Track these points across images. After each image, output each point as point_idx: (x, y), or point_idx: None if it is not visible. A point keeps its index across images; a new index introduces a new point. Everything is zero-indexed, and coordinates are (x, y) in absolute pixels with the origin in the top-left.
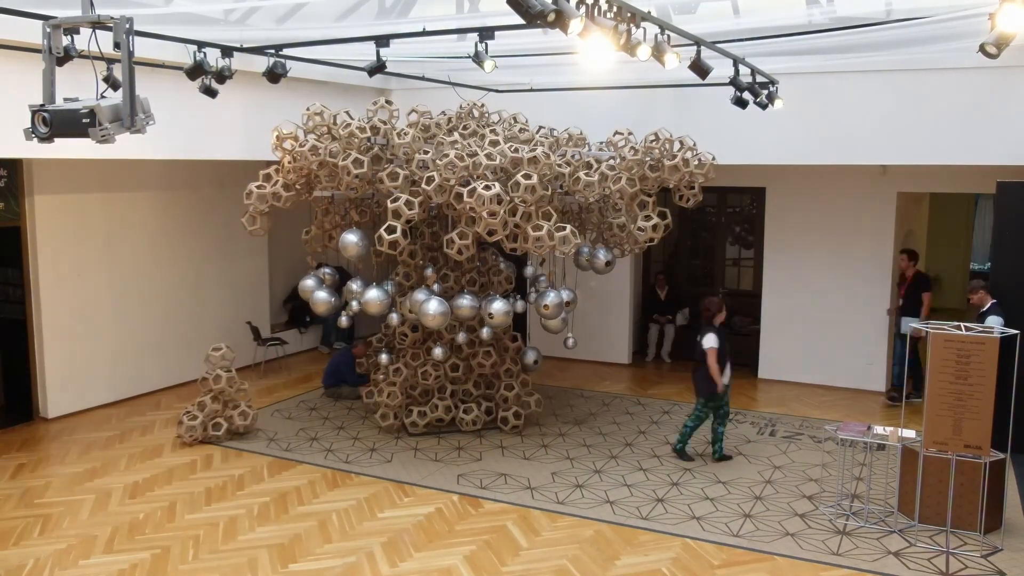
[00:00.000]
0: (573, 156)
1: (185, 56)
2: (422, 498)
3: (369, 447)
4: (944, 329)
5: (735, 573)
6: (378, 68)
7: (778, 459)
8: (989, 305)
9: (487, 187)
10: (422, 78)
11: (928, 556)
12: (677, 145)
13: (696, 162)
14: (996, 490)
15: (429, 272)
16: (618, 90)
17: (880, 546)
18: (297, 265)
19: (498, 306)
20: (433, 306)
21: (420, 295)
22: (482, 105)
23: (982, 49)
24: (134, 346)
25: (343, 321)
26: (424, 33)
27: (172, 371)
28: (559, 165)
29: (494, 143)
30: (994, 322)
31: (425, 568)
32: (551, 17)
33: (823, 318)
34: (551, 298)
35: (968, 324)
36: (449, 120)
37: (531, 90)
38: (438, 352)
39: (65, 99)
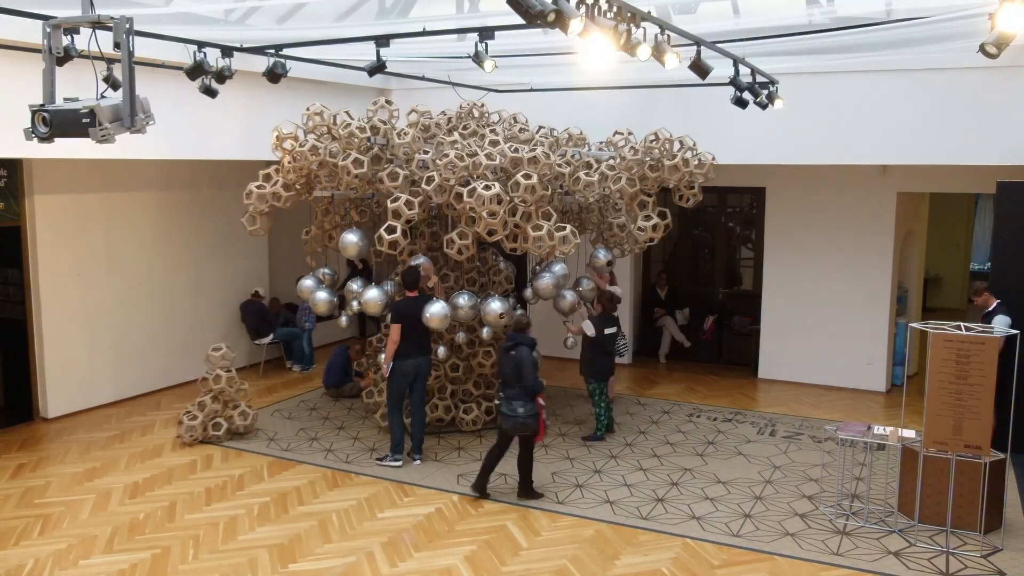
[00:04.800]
0: (573, 156)
1: (185, 56)
2: (422, 498)
3: (369, 447)
4: (944, 329)
5: (735, 573)
6: (378, 68)
7: (778, 459)
8: (995, 305)
9: (487, 187)
10: (422, 78)
11: (928, 556)
12: (677, 145)
13: (696, 162)
14: (996, 490)
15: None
16: (618, 90)
17: (880, 546)
18: (297, 265)
19: (496, 305)
20: (435, 308)
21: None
22: (482, 105)
23: (982, 49)
24: (134, 346)
25: (343, 321)
26: (424, 33)
27: (172, 371)
28: (559, 165)
29: (494, 143)
30: (1001, 322)
31: (425, 568)
32: (551, 17)
33: (823, 318)
34: (546, 279)
35: (968, 324)
36: (449, 120)
37: (531, 90)
38: (439, 351)
39: (65, 99)
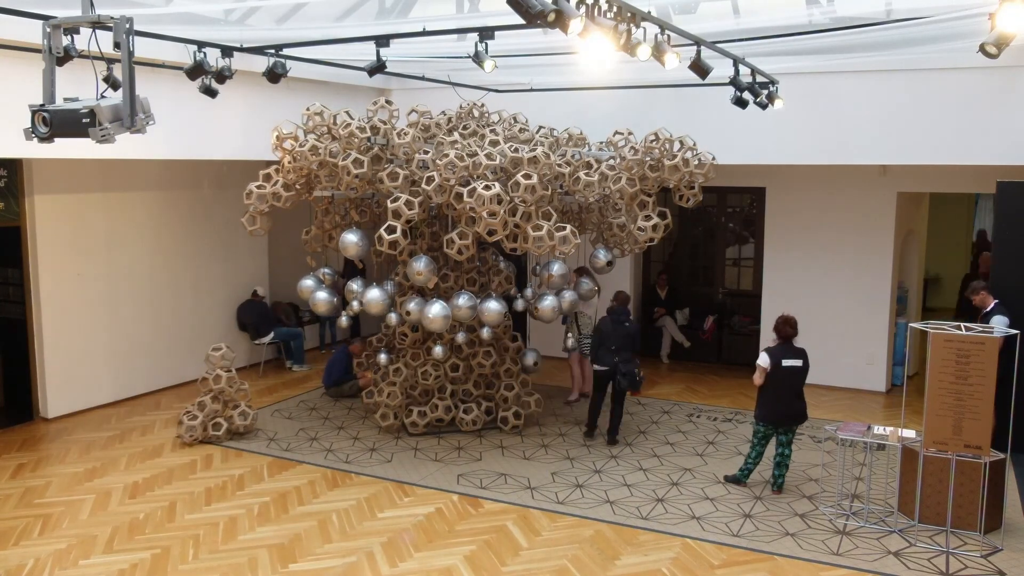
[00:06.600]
0: (573, 156)
1: (185, 56)
2: (422, 498)
3: (369, 447)
4: (944, 329)
5: (735, 573)
6: (378, 68)
7: None
8: (992, 305)
9: (487, 187)
10: (422, 78)
11: (928, 556)
12: (677, 145)
13: (696, 162)
14: (996, 490)
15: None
16: (618, 90)
17: (880, 546)
18: (297, 265)
19: (496, 305)
20: (435, 309)
21: (413, 304)
22: (482, 105)
23: (982, 49)
24: (134, 346)
25: (343, 321)
26: (424, 33)
27: (172, 371)
28: (559, 165)
29: (494, 143)
30: (999, 322)
31: (425, 568)
32: (551, 17)
33: (823, 318)
34: (548, 302)
35: (968, 324)
36: (449, 120)
37: (531, 90)
38: (438, 351)
39: (65, 99)
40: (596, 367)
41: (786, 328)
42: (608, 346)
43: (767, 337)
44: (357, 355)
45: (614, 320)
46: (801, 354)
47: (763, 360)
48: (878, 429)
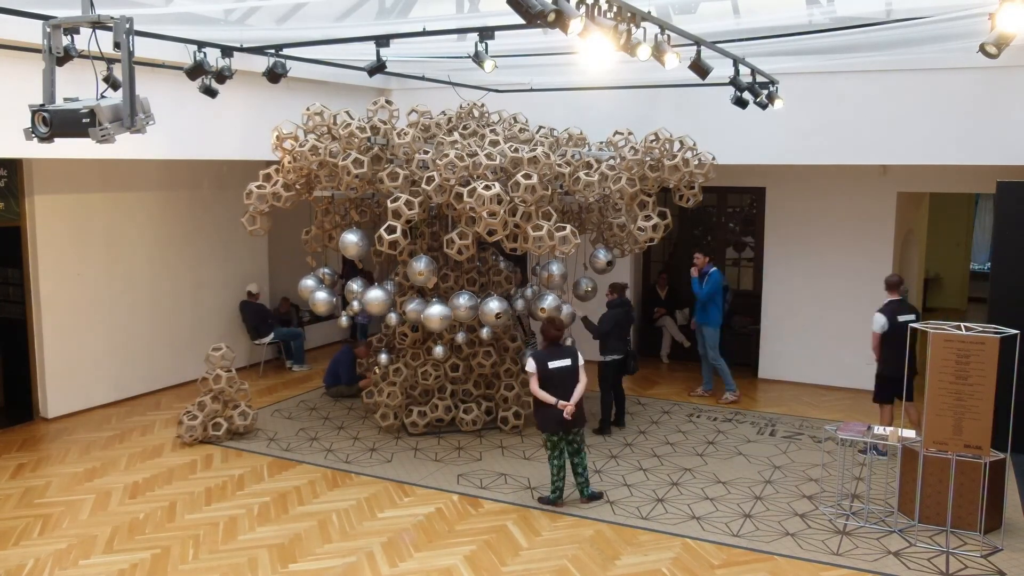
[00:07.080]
0: (573, 156)
1: (185, 56)
2: (422, 498)
3: (369, 447)
4: (944, 329)
5: (735, 573)
6: (378, 68)
7: (778, 459)
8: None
9: (487, 187)
10: (422, 78)
11: (928, 556)
12: (677, 145)
13: (696, 162)
14: (996, 490)
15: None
16: (618, 90)
17: (880, 546)
18: (297, 265)
19: (494, 305)
20: (436, 309)
21: (414, 304)
22: (482, 105)
23: (982, 49)
24: (134, 346)
25: (343, 321)
26: (424, 33)
27: (172, 371)
28: (559, 165)
29: (494, 143)
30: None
31: (425, 568)
32: (551, 17)
33: (823, 318)
34: (548, 302)
35: (968, 324)
36: (449, 120)
37: (531, 90)
38: (438, 351)
39: (65, 99)
40: (611, 357)
41: (551, 330)
42: (619, 335)
43: (768, 337)
44: (362, 357)
45: (620, 309)
46: (569, 353)
47: (531, 366)
48: (878, 429)
